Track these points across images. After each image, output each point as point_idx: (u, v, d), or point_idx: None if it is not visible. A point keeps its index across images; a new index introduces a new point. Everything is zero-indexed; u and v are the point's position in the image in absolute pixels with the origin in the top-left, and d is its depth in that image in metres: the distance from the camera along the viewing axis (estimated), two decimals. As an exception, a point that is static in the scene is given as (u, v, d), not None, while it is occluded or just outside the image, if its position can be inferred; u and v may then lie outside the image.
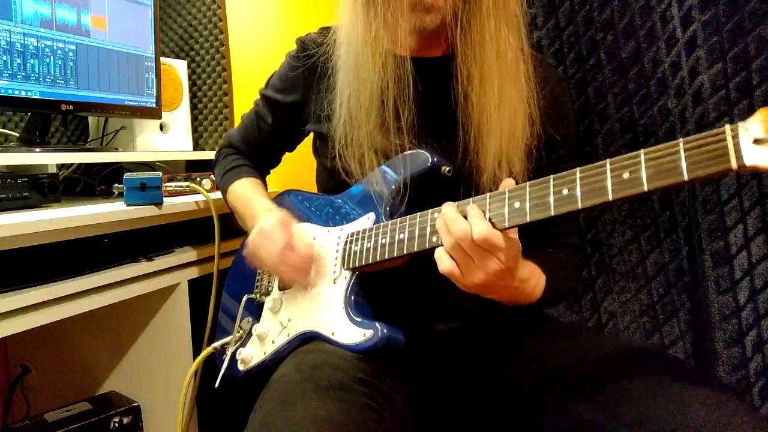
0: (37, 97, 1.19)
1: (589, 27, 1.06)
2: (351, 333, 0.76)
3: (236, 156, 1.09)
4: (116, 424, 1.14)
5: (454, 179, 0.81)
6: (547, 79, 0.85)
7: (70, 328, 1.29)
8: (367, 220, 0.83)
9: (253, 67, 1.62)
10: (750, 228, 0.93)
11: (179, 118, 1.59)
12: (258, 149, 1.07)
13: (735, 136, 0.48)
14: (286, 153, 1.10)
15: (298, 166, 1.15)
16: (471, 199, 0.68)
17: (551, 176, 0.61)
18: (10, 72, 1.13)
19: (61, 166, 1.36)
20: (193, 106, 1.70)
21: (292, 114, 0.98)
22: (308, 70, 0.94)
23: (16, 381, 1.41)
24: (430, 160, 0.80)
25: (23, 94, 1.16)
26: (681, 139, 0.52)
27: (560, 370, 0.78)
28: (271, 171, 1.14)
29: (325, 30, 0.95)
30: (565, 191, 0.59)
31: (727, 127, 0.49)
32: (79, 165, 1.41)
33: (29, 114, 1.26)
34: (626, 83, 1.04)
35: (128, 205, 1.05)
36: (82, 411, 1.15)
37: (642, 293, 1.08)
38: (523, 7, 0.82)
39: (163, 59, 1.51)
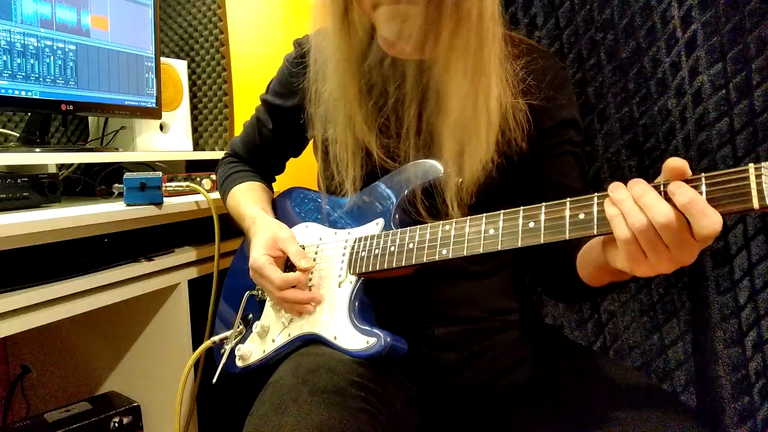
0: (37, 97, 1.18)
1: (589, 27, 1.06)
2: (354, 339, 0.76)
3: (235, 163, 1.08)
4: (116, 424, 1.14)
5: (434, 187, 0.80)
6: (547, 68, 0.85)
7: (70, 328, 1.29)
8: (375, 226, 0.82)
9: (253, 68, 1.62)
10: (750, 228, 0.93)
11: (179, 118, 1.59)
12: (260, 156, 1.07)
13: (759, 176, 0.48)
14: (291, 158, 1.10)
15: (299, 167, 1.15)
16: (484, 215, 0.67)
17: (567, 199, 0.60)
18: (10, 72, 1.13)
19: (61, 166, 1.36)
20: (193, 106, 1.70)
21: (294, 119, 0.97)
22: (306, 73, 0.93)
23: (16, 381, 1.41)
24: (442, 171, 0.79)
25: (23, 94, 1.16)
26: (703, 174, 0.51)
27: (556, 380, 0.79)
28: (276, 178, 1.13)
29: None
30: (582, 215, 0.59)
31: (751, 166, 0.49)
32: (79, 165, 1.41)
33: (29, 114, 1.26)
34: (626, 83, 1.04)
35: (128, 205, 1.05)
36: (82, 411, 1.14)
37: (642, 293, 1.08)
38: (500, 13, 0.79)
39: (163, 59, 1.51)
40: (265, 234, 0.85)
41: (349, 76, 0.82)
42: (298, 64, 0.95)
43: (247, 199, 0.97)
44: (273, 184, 1.12)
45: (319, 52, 0.86)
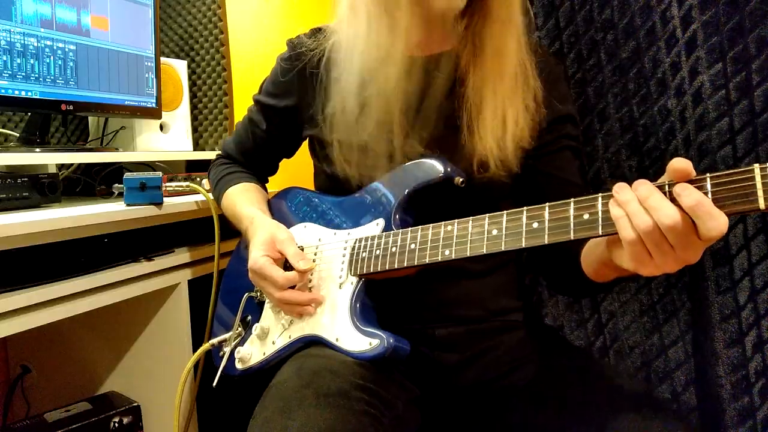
0: (37, 97, 1.18)
1: (589, 27, 1.06)
2: (356, 341, 0.76)
3: (228, 164, 1.07)
4: (116, 424, 1.14)
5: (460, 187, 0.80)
6: (544, 63, 0.86)
7: (70, 328, 1.29)
8: (375, 227, 0.82)
9: (253, 67, 1.62)
10: (750, 228, 0.93)
11: (179, 118, 1.59)
12: (253, 157, 1.06)
13: (765, 176, 0.48)
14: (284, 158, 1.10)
15: (295, 167, 1.15)
16: (487, 215, 0.67)
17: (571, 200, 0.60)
18: (10, 72, 1.13)
19: (61, 166, 1.36)
20: (193, 106, 1.70)
21: (288, 119, 0.96)
22: (302, 73, 0.92)
23: (16, 381, 1.41)
24: (443, 171, 0.79)
25: (23, 94, 1.16)
26: (708, 174, 0.51)
27: (557, 378, 0.79)
28: (269, 178, 1.13)
29: (317, 30, 0.94)
30: (586, 216, 0.59)
31: (756, 167, 0.49)
32: (79, 165, 1.41)
33: (29, 114, 1.26)
34: (626, 83, 1.04)
35: (128, 205, 1.05)
36: (82, 411, 1.14)
37: (642, 293, 1.08)
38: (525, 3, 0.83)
39: (163, 59, 1.51)
40: (263, 235, 0.85)
41: (385, 76, 0.81)
42: (291, 63, 0.94)
43: (244, 200, 0.97)
44: (267, 185, 1.11)
45: (349, 51, 0.85)
